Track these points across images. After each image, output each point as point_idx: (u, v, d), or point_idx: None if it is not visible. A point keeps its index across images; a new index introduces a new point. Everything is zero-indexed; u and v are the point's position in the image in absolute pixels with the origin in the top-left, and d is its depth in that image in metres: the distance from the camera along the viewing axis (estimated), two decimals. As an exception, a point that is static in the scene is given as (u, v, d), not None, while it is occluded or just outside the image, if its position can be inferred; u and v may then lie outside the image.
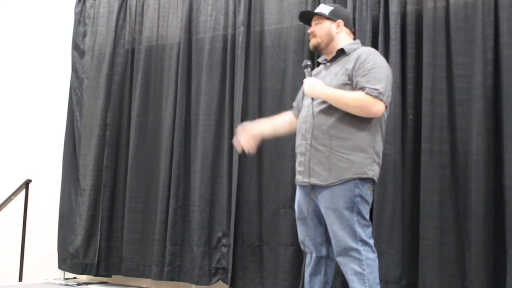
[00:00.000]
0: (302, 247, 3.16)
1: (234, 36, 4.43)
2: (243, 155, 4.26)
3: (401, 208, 3.63)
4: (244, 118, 4.28)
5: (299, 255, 3.97)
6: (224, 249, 4.31)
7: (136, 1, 4.97)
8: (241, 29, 4.36)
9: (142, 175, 4.74)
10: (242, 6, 4.39)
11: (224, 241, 4.31)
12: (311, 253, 3.14)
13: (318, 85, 3.05)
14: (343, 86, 3.01)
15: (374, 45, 3.73)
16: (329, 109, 3.01)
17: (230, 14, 4.47)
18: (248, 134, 3.28)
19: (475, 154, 3.41)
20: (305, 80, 3.13)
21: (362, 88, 2.95)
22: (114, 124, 4.92)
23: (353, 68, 3.01)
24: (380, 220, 3.64)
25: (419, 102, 3.63)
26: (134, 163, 4.76)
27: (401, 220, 3.61)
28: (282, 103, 4.17)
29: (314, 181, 3.01)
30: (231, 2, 4.48)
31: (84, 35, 5.22)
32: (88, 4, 5.23)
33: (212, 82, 4.48)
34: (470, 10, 3.54)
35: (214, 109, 4.45)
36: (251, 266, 4.20)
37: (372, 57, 3.03)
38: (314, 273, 3.13)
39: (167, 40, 4.78)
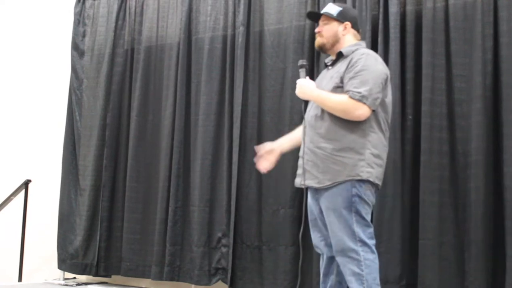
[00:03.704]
0: (316, 249, 3.16)
1: (233, 36, 4.43)
2: (242, 155, 4.27)
3: (400, 208, 3.63)
4: (244, 118, 4.29)
5: (298, 255, 3.96)
6: (223, 249, 4.31)
7: (136, 2, 4.97)
8: (240, 29, 4.36)
9: (141, 175, 4.74)
10: (241, 6, 4.39)
11: (223, 241, 4.31)
12: (323, 254, 3.12)
13: (308, 87, 3.05)
14: (335, 89, 3.00)
15: (374, 45, 3.73)
16: (324, 112, 3.00)
17: (230, 14, 4.47)
18: (267, 151, 3.27)
19: (475, 154, 3.41)
20: (297, 81, 3.12)
21: (347, 91, 2.93)
22: (113, 124, 4.92)
23: (345, 70, 3.00)
24: (380, 220, 3.63)
25: (418, 102, 3.63)
26: (134, 163, 4.75)
27: (400, 220, 3.61)
28: (282, 103, 4.18)
29: (309, 183, 3.02)
30: (230, 2, 4.48)
31: (84, 35, 5.22)
32: (87, 4, 5.23)
33: (212, 82, 4.48)
34: (470, 10, 3.54)
35: (214, 109, 4.44)
36: (251, 266, 4.20)
37: (363, 59, 2.98)
38: (327, 274, 3.12)
39: (167, 40, 4.78)
